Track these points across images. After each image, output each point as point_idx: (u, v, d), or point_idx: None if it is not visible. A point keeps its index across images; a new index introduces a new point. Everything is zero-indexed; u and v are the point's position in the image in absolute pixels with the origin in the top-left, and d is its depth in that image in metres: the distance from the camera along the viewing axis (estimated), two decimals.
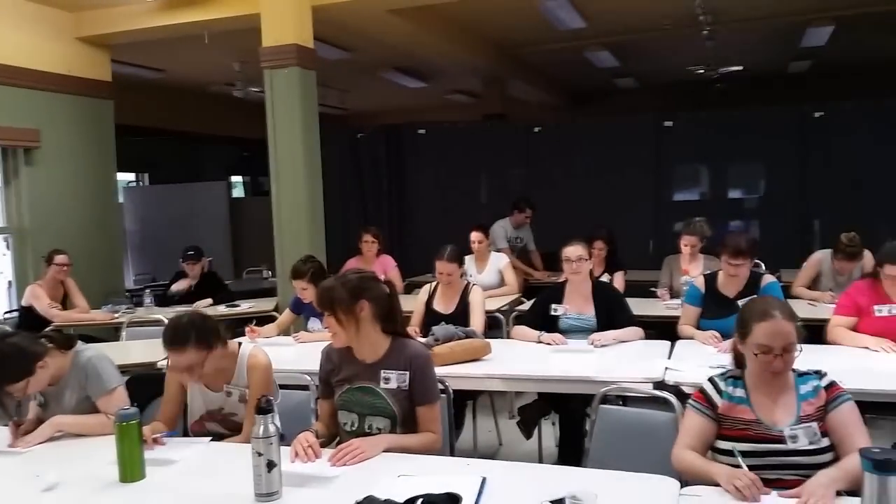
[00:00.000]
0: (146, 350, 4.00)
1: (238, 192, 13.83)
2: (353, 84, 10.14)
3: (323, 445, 2.21)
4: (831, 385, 1.95)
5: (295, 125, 5.53)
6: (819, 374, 1.99)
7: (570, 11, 6.61)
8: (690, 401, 2.09)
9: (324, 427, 2.41)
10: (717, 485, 1.78)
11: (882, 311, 3.21)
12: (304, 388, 2.86)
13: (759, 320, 1.95)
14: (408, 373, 2.27)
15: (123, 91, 7.15)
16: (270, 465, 1.80)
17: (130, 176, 12.17)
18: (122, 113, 7.09)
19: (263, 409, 1.83)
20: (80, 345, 2.60)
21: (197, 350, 2.34)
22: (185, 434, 2.59)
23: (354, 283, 2.28)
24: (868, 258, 4.44)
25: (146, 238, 9.99)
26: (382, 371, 2.30)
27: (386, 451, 2.13)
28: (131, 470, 2.01)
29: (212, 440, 2.41)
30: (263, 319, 4.93)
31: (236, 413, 2.54)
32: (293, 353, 3.73)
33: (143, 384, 2.78)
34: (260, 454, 1.80)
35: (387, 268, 5.60)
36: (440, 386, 2.53)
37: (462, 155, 8.70)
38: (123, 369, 2.75)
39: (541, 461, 3.76)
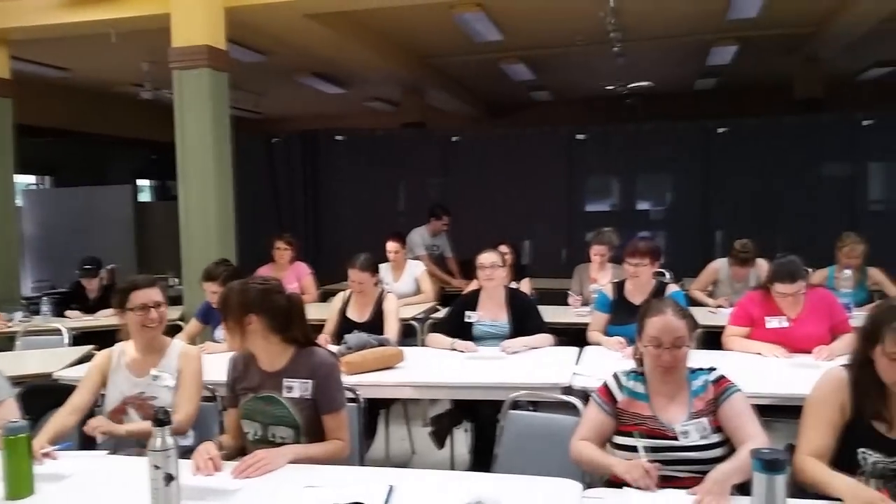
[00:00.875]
0: (43, 360, 3.81)
1: (146, 197, 13.32)
2: (269, 88, 9.96)
3: (230, 458, 2.15)
4: (720, 379, 2.05)
5: (205, 128, 5.36)
6: (709, 370, 2.08)
7: (487, 24, 6.71)
8: (593, 395, 2.17)
9: (230, 438, 2.35)
10: (616, 478, 1.85)
11: (773, 322, 3.42)
12: (210, 399, 2.77)
13: (652, 315, 2.07)
14: (311, 381, 2.24)
15: (25, 90, 6.81)
16: (168, 479, 1.73)
17: (32, 178, 11.55)
18: (23, 112, 6.72)
19: (161, 420, 1.76)
20: None
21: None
22: (84, 441, 2.48)
23: (248, 296, 2.25)
24: (762, 266, 4.70)
25: (46, 243, 9.48)
26: (285, 380, 2.26)
27: (292, 462, 2.08)
28: (18, 486, 1.89)
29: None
30: (169, 329, 4.74)
31: (156, 397, 2.53)
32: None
33: (39, 396, 2.68)
34: (157, 467, 1.72)
35: (301, 275, 5.52)
36: (351, 394, 2.51)
37: (380, 162, 8.68)
38: (18, 380, 2.61)
39: (453, 468, 3.78)
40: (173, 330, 4.50)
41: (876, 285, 4.84)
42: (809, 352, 3.22)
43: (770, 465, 1.52)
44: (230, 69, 5.72)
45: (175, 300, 6.05)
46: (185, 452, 2.08)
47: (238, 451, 2.33)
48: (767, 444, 1.81)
